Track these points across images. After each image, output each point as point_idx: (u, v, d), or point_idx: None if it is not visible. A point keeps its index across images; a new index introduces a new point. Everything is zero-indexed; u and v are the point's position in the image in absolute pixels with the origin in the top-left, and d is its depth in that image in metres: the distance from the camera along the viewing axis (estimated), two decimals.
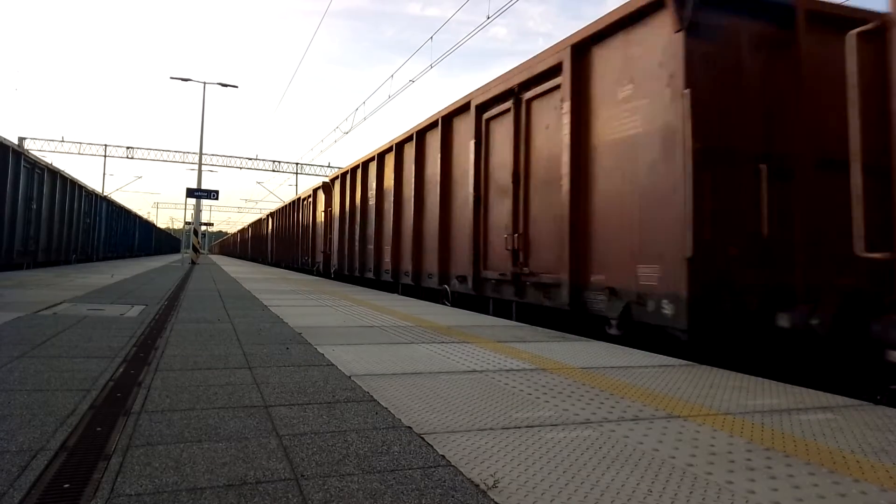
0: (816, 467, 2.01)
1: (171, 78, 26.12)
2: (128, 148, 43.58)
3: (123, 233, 36.06)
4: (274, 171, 47.68)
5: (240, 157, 46.52)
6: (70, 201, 21.26)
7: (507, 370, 3.58)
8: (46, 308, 6.34)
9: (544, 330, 5.65)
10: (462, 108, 8.48)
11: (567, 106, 5.97)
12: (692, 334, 4.49)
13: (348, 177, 15.00)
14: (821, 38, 4.81)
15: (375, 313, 6.76)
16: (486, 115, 7.80)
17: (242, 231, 63.86)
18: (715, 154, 4.57)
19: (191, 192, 23.87)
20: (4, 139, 15.05)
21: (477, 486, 1.78)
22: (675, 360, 4.08)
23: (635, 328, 5.06)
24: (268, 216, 37.23)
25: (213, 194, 24.04)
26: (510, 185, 7.14)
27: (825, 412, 2.75)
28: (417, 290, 10.30)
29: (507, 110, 7.29)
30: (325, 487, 1.74)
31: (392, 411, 2.59)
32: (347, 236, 15.01)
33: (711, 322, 4.51)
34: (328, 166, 46.66)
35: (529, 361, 3.89)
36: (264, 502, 1.63)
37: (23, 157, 16.20)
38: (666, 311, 4.64)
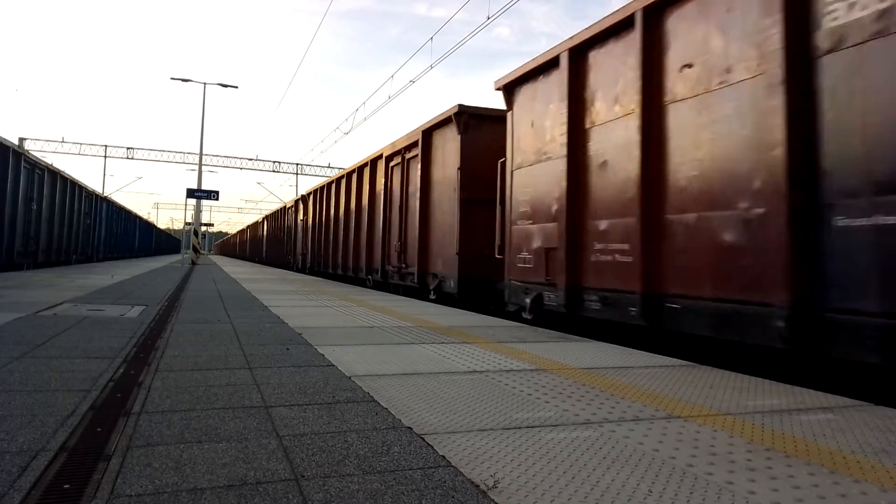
0: (817, 467, 2.01)
1: (172, 78, 26.11)
2: (128, 148, 43.56)
3: (124, 233, 36.07)
4: (274, 171, 47.65)
5: (240, 158, 46.44)
6: (70, 202, 21.27)
7: (508, 371, 3.58)
8: (47, 308, 6.34)
9: (544, 330, 5.66)
10: (378, 157, 12.99)
11: (419, 165, 10.29)
12: (460, 295, 8.68)
13: (314, 195, 20.49)
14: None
15: (375, 314, 6.77)
16: (391, 164, 12.14)
17: (241, 232, 63.97)
18: (471, 201, 8.67)
19: (191, 193, 23.86)
20: (5, 140, 15.06)
21: (477, 486, 1.78)
22: (675, 360, 4.08)
23: (444, 295, 9.22)
24: (262, 219, 38.06)
25: (213, 195, 24.04)
26: (398, 210, 11.43)
27: (825, 412, 2.75)
28: (356, 280, 14.71)
29: (399, 163, 11.51)
30: (326, 488, 1.74)
31: (392, 412, 2.60)
32: (315, 240, 20.08)
33: (468, 288, 8.66)
34: (328, 167, 46.65)
35: (529, 362, 3.89)
36: (264, 503, 1.63)
37: (23, 157, 16.21)
38: (451, 284, 8.89)
